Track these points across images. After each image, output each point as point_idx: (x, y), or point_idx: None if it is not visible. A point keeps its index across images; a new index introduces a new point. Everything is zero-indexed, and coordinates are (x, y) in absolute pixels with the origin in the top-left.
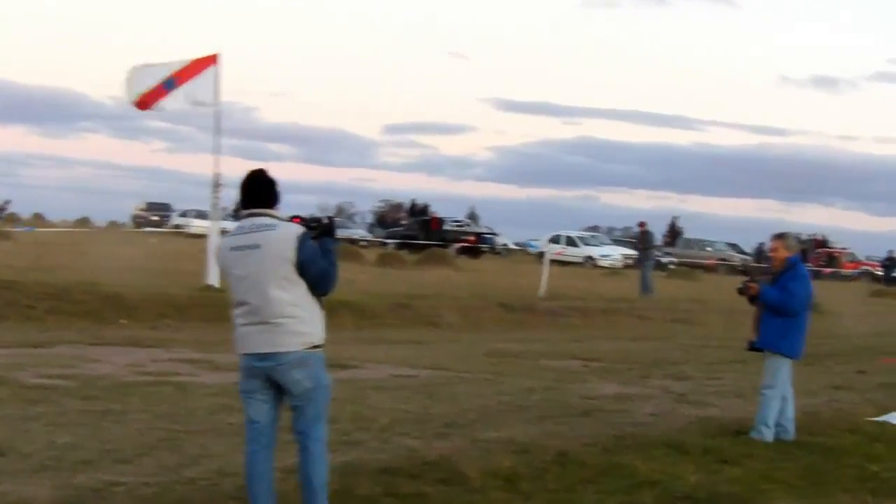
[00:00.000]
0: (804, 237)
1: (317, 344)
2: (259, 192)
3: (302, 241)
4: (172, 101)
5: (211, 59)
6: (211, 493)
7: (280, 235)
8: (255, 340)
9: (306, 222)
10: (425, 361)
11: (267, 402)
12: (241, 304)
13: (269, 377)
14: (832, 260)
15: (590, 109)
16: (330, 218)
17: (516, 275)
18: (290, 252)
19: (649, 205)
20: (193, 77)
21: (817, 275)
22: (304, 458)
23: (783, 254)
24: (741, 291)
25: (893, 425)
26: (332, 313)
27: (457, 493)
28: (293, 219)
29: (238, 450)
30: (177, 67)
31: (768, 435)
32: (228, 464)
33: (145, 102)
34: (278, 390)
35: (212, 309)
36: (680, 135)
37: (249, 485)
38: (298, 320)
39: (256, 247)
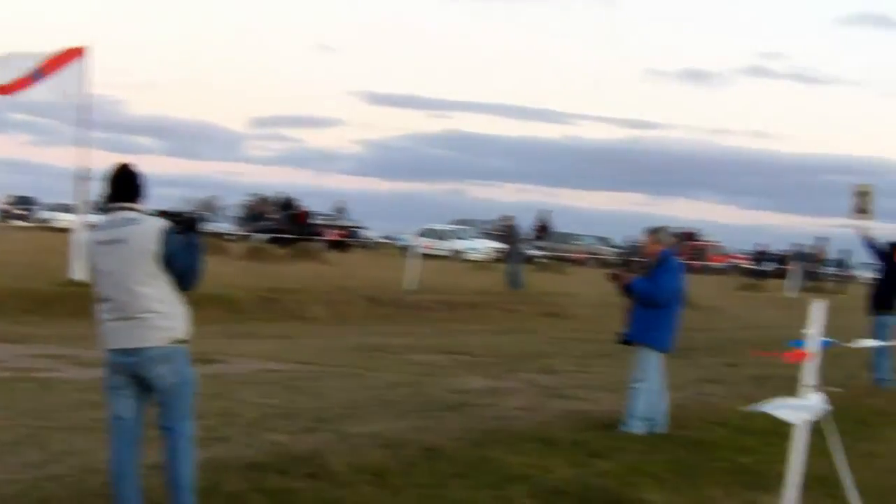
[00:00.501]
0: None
1: (181, 339)
2: (125, 186)
3: (166, 236)
4: (38, 92)
5: (77, 52)
6: (76, 490)
7: (144, 230)
8: (120, 336)
9: (171, 217)
10: (292, 356)
11: (132, 398)
12: (106, 299)
13: (134, 373)
14: (701, 253)
15: (458, 103)
16: (195, 213)
17: (384, 269)
18: (154, 246)
19: (517, 198)
20: (60, 69)
21: (687, 268)
22: (171, 455)
23: (656, 248)
24: (612, 278)
25: (763, 418)
26: (199, 307)
27: (325, 489)
28: (159, 213)
29: (103, 446)
30: (44, 58)
31: (639, 428)
32: (93, 460)
33: (10, 89)
34: (143, 386)
35: (76, 304)
36: (549, 128)
37: (115, 481)
38: (162, 315)
39: (121, 241)
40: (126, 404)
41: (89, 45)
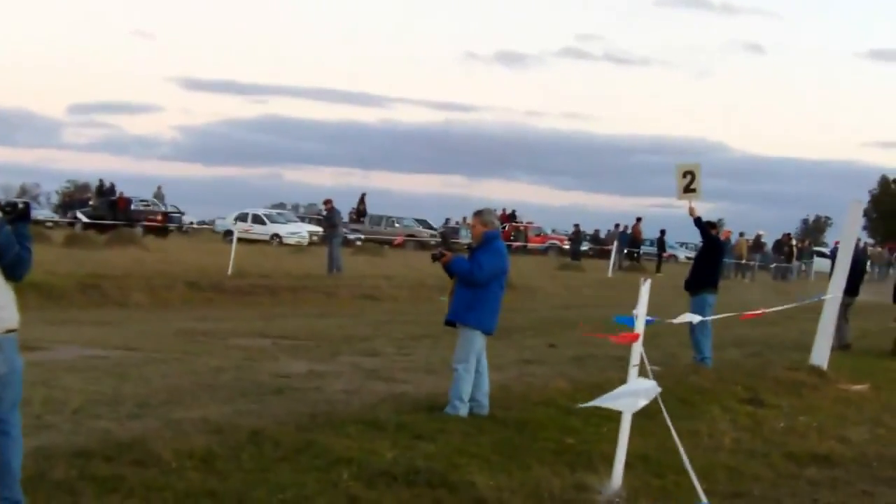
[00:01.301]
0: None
1: (11, 328)
2: None
3: None
4: None
5: None
6: None
7: None
8: None
9: (1, 207)
10: (115, 342)
11: None
12: None
13: None
14: (519, 234)
15: (275, 87)
16: (26, 203)
17: (203, 253)
18: None
19: (334, 182)
20: None
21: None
22: (5, 443)
23: (480, 229)
24: (434, 258)
25: (586, 398)
26: (18, 294)
27: (153, 475)
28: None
29: None
30: None
31: (463, 410)
32: None
33: None
34: None
35: None
36: (365, 112)
37: None
38: None
39: None
40: None
41: None
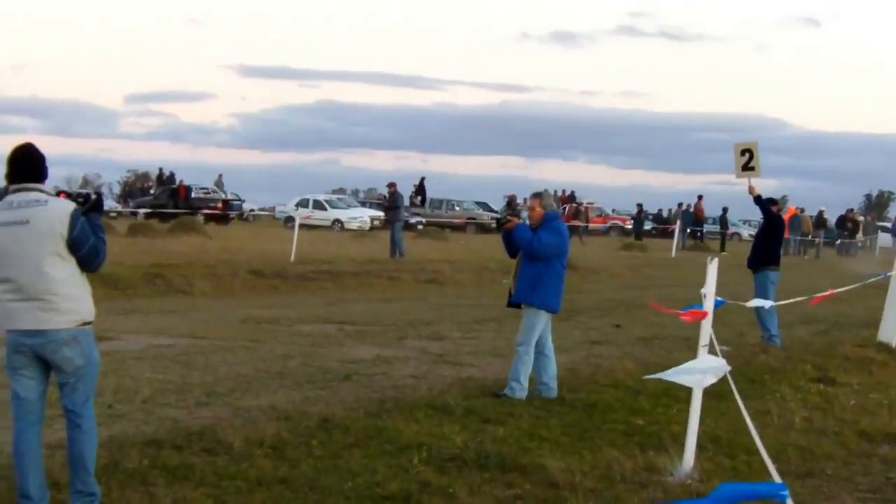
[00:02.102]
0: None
1: (87, 321)
2: (28, 166)
3: (75, 218)
4: None
5: None
6: None
7: (51, 211)
8: (24, 317)
9: (73, 198)
10: (181, 330)
11: (34, 379)
12: (8, 280)
13: (37, 354)
14: (580, 214)
15: (329, 72)
16: (98, 193)
17: (265, 240)
18: (62, 229)
19: (392, 166)
20: None
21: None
22: (77, 436)
23: (539, 211)
24: (499, 222)
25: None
26: None
27: (223, 463)
28: (59, 193)
29: (1, 428)
30: None
31: (520, 392)
32: None
33: None
34: (46, 367)
35: None
36: (421, 95)
37: (18, 462)
38: (68, 297)
39: (25, 223)
40: (28, 385)
41: None
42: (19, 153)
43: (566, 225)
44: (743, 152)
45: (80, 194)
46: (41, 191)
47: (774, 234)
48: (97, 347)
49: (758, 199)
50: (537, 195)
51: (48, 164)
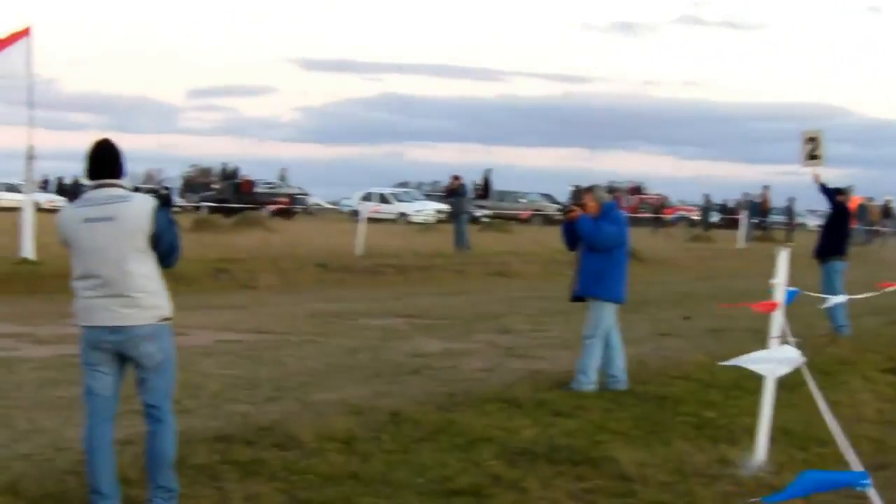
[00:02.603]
0: (620, 185)
1: (167, 316)
2: (108, 162)
3: (157, 214)
4: None
5: (24, 32)
6: (47, 469)
7: (135, 207)
8: (108, 314)
9: (151, 194)
10: (248, 325)
11: (110, 375)
12: (90, 276)
13: (118, 350)
14: (649, 207)
15: (391, 65)
16: (167, 188)
17: (331, 234)
18: (145, 224)
19: (455, 158)
20: (6, 49)
21: (636, 222)
22: (158, 431)
23: (594, 205)
24: (564, 211)
25: (725, 371)
26: None
27: (294, 458)
28: (132, 189)
29: (68, 423)
30: None
31: (588, 385)
32: (61, 438)
33: None
34: (123, 363)
35: (29, 282)
36: (484, 87)
37: (91, 458)
38: (151, 293)
39: (110, 219)
40: (104, 381)
41: (32, 25)
42: (99, 149)
43: (626, 215)
44: (809, 140)
45: (151, 190)
46: (122, 186)
47: (841, 224)
48: (174, 344)
49: (823, 189)
50: (589, 190)
51: (39, 154)
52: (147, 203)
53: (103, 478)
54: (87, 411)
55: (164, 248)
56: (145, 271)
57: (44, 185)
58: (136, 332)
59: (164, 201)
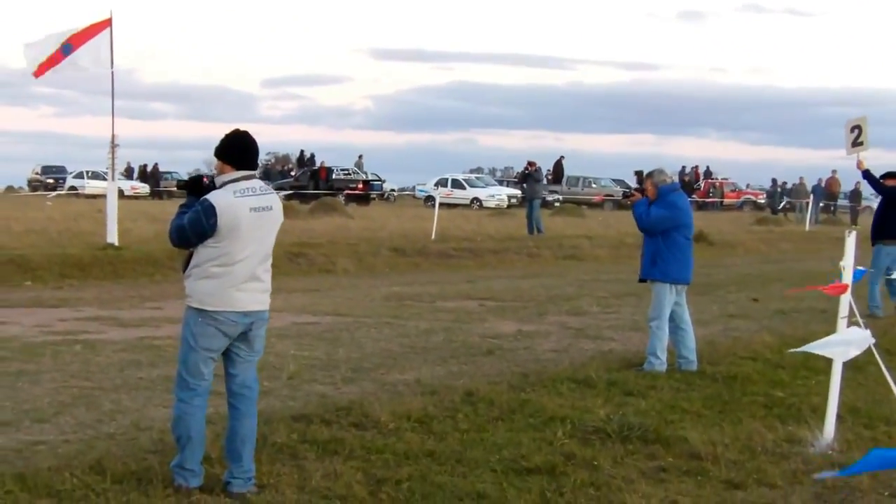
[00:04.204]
0: (686, 169)
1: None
2: (252, 153)
3: None
4: (69, 65)
5: (105, 23)
6: (131, 448)
7: (279, 200)
8: (249, 298)
9: (211, 181)
10: (325, 308)
11: (218, 359)
12: (241, 261)
13: (242, 333)
14: (715, 190)
15: (461, 54)
16: (211, 177)
17: (406, 219)
18: (282, 217)
19: (526, 145)
20: (88, 40)
21: (703, 206)
22: (249, 410)
23: (652, 189)
24: (626, 195)
25: (794, 352)
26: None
27: (372, 437)
28: (202, 178)
29: (150, 404)
30: (72, 32)
31: (659, 366)
32: (143, 418)
33: (43, 69)
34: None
35: (113, 267)
36: (553, 74)
37: (185, 438)
38: (270, 279)
39: (269, 209)
40: (212, 365)
41: (113, 17)
42: (245, 140)
43: (686, 197)
44: (853, 129)
45: (191, 178)
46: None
47: (887, 207)
48: None
49: (866, 174)
50: (650, 175)
51: (175, 147)
52: (279, 197)
53: (196, 457)
54: (193, 394)
55: None
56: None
57: (127, 173)
58: (264, 315)
59: (207, 188)
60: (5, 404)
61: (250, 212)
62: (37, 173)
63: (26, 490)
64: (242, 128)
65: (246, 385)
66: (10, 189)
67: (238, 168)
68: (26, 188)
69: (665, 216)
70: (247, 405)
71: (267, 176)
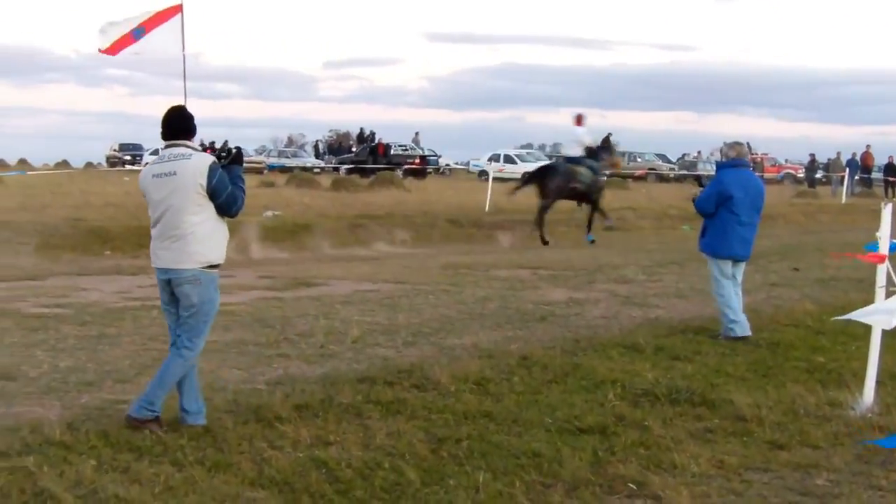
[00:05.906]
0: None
1: (213, 263)
2: (178, 125)
3: (213, 170)
4: (141, 49)
5: (177, 8)
6: (205, 407)
7: (194, 164)
8: (163, 257)
9: (217, 152)
10: (384, 276)
11: (174, 312)
12: (157, 222)
13: (171, 290)
14: (756, 164)
15: (509, 36)
16: (238, 148)
17: (460, 193)
18: (202, 179)
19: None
20: (160, 25)
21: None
22: (172, 357)
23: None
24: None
25: (836, 320)
26: (293, 235)
27: (432, 398)
28: (206, 149)
29: (224, 366)
30: (145, 17)
31: (740, 329)
32: (217, 379)
33: (114, 49)
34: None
35: None
36: (596, 55)
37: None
38: (197, 239)
39: (173, 174)
40: (170, 319)
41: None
42: (171, 113)
43: (738, 173)
44: None
45: (223, 149)
46: (187, 146)
47: None
48: (217, 291)
49: None
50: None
51: (240, 125)
52: (204, 160)
53: (188, 398)
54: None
55: (223, 200)
56: (198, 220)
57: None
58: (181, 274)
59: (235, 159)
60: (88, 366)
61: (153, 178)
62: (114, 150)
63: (109, 446)
64: (303, 107)
65: (179, 336)
66: (89, 165)
67: (165, 139)
68: (104, 164)
69: (708, 194)
70: (173, 351)
71: (331, 152)
